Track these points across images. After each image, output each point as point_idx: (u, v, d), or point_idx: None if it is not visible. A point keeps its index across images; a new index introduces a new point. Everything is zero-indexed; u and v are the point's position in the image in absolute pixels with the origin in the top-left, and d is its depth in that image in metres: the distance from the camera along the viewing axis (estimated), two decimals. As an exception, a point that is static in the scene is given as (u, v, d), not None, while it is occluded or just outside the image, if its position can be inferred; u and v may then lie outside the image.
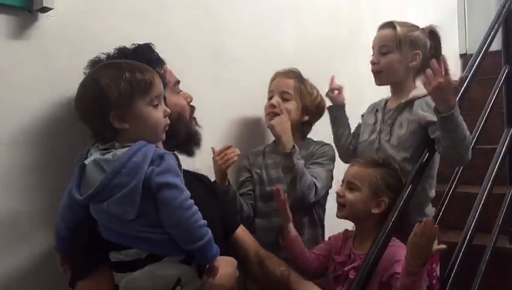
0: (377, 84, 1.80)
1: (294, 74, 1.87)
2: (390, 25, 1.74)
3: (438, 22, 3.39)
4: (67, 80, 1.38)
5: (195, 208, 1.06)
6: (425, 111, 1.63)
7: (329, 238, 1.65)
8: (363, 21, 2.63)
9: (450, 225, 2.07)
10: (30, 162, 1.32)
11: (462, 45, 3.57)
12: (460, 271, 1.78)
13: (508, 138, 2.14)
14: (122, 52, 1.34)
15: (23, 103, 1.30)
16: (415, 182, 1.56)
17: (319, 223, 1.82)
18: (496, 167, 2.04)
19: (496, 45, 2.30)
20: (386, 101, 1.81)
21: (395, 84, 1.76)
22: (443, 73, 1.49)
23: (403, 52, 1.70)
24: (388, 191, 1.52)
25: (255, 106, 1.98)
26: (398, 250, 1.43)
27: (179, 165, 1.14)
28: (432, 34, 1.77)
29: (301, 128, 1.89)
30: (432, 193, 1.72)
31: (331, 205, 1.75)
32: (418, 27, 1.76)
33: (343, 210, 1.54)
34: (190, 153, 1.45)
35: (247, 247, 1.47)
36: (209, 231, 1.07)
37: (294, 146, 1.67)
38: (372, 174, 1.52)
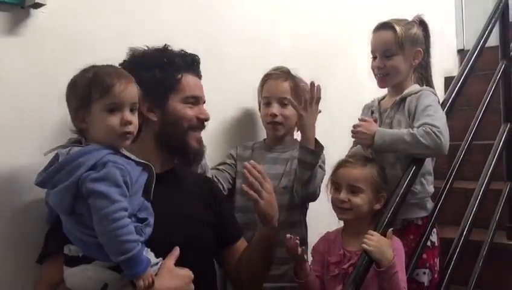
0: (381, 87, 1.81)
1: (286, 75, 1.82)
2: (388, 26, 1.72)
3: (435, 18, 3.39)
4: (60, 76, 1.37)
5: (125, 222, 1.06)
6: (412, 106, 1.65)
7: (314, 249, 1.62)
8: (361, 17, 2.61)
9: (447, 221, 2.06)
10: (21, 158, 1.31)
11: (460, 41, 3.55)
12: (458, 267, 1.78)
13: (505, 133, 2.14)
14: (156, 48, 1.41)
15: (16, 98, 1.30)
16: (411, 179, 1.56)
17: (304, 223, 1.82)
18: (493, 163, 2.03)
19: (494, 41, 2.30)
20: (379, 100, 1.82)
21: (397, 84, 1.76)
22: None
23: (406, 52, 1.71)
24: (385, 185, 1.54)
25: (251, 103, 1.97)
26: (392, 242, 1.45)
27: (151, 174, 1.19)
28: (422, 24, 1.78)
29: (296, 126, 1.87)
30: (431, 189, 1.73)
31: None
32: (410, 22, 1.76)
33: (349, 213, 1.52)
34: (187, 164, 1.45)
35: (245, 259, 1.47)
36: (136, 248, 1.06)
37: (323, 146, 1.69)
38: (371, 173, 1.53)
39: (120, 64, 1.35)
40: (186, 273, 1.21)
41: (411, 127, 1.60)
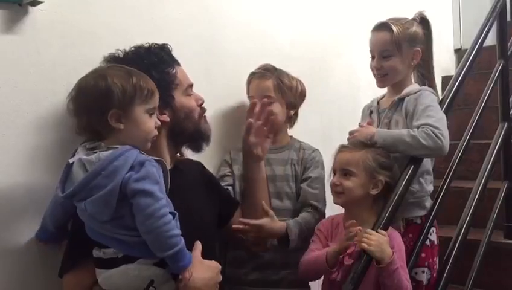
0: (380, 86, 1.80)
1: (270, 73, 1.79)
2: (385, 27, 1.71)
3: (433, 16, 3.37)
4: (58, 74, 1.37)
5: (169, 217, 1.09)
6: (411, 106, 1.65)
7: (318, 229, 1.62)
8: (360, 17, 2.61)
9: (445, 220, 2.06)
10: (19, 156, 1.30)
11: (457, 40, 3.56)
12: (456, 266, 1.78)
13: (503, 132, 2.14)
14: (137, 49, 1.39)
15: (13, 96, 1.29)
16: (409, 178, 1.56)
17: None
18: (490, 162, 2.04)
19: (492, 40, 2.30)
20: (378, 100, 1.82)
21: (396, 83, 1.76)
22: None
23: (404, 52, 1.70)
24: (382, 170, 1.53)
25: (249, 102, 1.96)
26: (392, 235, 1.48)
27: (165, 171, 1.19)
28: (423, 21, 1.77)
29: (288, 124, 1.87)
30: (430, 187, 1.74)
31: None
32: (410, 20, 1.75)
33: (342, 197, 1.53)
34: (198, 149, 1.50)
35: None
36: (181, 241, 1.10)
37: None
38: (365, 157, 1.53)
39: None
40: (216, 264, 1.26)
41: (409, 127, 1.60)
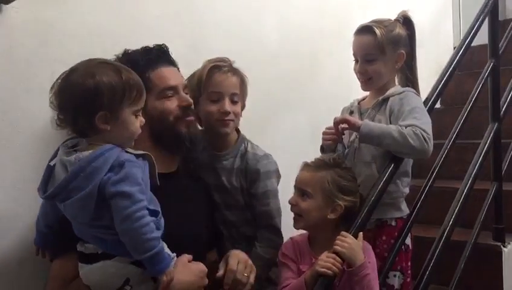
0: (364, 90, 1.79)
1: (234, 69, 1.64)
2: (368, 30, 1.69)
3: (432, 14, 3.36)
4: (32, 73, 1.38)
5: (147, 220, 1.09)
6: (395, 106, 1.64)
7: (283, 255, 1.53)
8: (351, 12, 2.59)
9: (437, 221, 2.02)
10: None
11: (456, 38, 3.51)
12: (441, 267, 1.77)
13: (492, 133, 2.11)
14: (123, 55, 1.42)
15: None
16: (388, 178, 1.55)
17: None
18: (478, 162, 2.01)
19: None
20: (359, 101, 1.81)
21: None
22: None
23: (387, 56, 1.69)
24: (342, 195, 1.46)
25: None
26: (365, 247, 1.44)
27: (151, 164, 1.20)
28: (407, 22, 1.75)
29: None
30: (406, 190, 1.72)
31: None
32: (393, 22, 1.73)
33: (300, 221, 1.48)
34: (179, 152, 1.49)
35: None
36: (159, 245, 1.10)
37: None
38: (324, 179, 1.46)
39: None
40: (201, 267, 1.25)
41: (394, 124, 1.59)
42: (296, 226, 1.50)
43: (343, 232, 1.39)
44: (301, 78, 2.34)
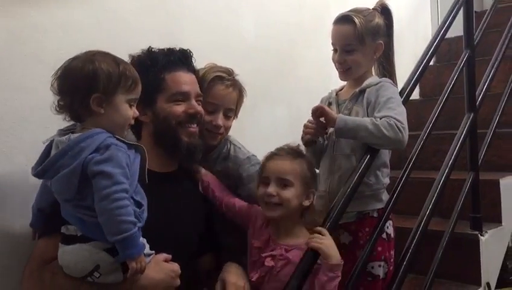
0: (342, 80, 1.79)
1: (236, 84, 1.66)
2: (347, 19, 1.68)
3: (411, 7, 3.37)
4: (3, 68, 1.36)
5: (125, 202, 1.11)
6: (372, 96, 1.64)
7: (254, 206, 1.55)
8: (329, 5, 2.59)
9: (415, 211, 2.04)
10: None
11: (435, 29, 3.52)
12: (419, 257, 1.78)
13: (468, 123, 2.13)
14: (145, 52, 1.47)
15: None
16: (364, 169, 1.56)
17: None
18: (455, 152, 2.03)
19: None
20: (337, 92, 1.81)
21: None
22: None
23: (366, 45, 1.68)
24: (313, 181, 1.50)
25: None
26: None
27: (143, 157, 1.23)
28: (385, 11, 1.75)
29: None
30: (387, 180, 1.72)
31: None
32: (372, 11, 1.72)
33: (278, 209, 1.44)
34: (171, 157, 1.49)
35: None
36: (133, 229, 1.11)
37: None
38: (302, 166, 1.47)
39: None
40: (173, 267, 1.26)
41: (370, 117, 1.60)
42: (273, 214, 1.45)
43: (321, 229, 1.39)
44: (280, 70, 2.34)
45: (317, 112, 1.62)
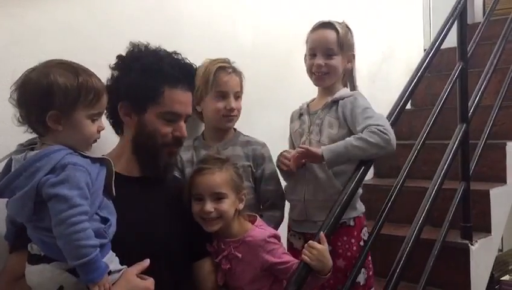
0: (318, 85, 1.82)
1: (236, 70, 1.80)
2: (331, 26, 1.75)
3: (403, 17, 3.41)
4: (4, 69, 1.35)
5: (83, 226, 1.06)
6: (347, 110, 1.68)
7: None
8: (325, 14, 2.60)
9: (407, 220, 2.06)
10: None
11: (427, 40, 3.58)
12: (411, 265, 1.80)
13: (460, 133, 2.16)
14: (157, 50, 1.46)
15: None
16: (360, 178, 1.59)
17: None
18: (447, 163, 2.06)
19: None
20: (308, 103, 1.85)
21: (327, 86, 1.79)
22: None
23: (344, 54, 1.75)
24: (242, 182, 1.51)
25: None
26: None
27: (109, 170, 1.18)
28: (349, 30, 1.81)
29: None
30: (360, 190, 1.73)
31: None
32: (345, 25, 1.78)
33: (219, 222, 1.43)
34: (149, 172, 1.44)
35: (202, 281, 1.47)
36: (93, 253, 1.06)
37: None
38: (230, 175, 1.46)
39: (117, 57, 1.40)
40: (145, 284, 1.20)
41: (354, 132, 1.63)
42: (214, 228, 1.44)
43: (311, 243, 1.40)
44: (275, 79, 2.35)
45: (301, 156, 1.65)
